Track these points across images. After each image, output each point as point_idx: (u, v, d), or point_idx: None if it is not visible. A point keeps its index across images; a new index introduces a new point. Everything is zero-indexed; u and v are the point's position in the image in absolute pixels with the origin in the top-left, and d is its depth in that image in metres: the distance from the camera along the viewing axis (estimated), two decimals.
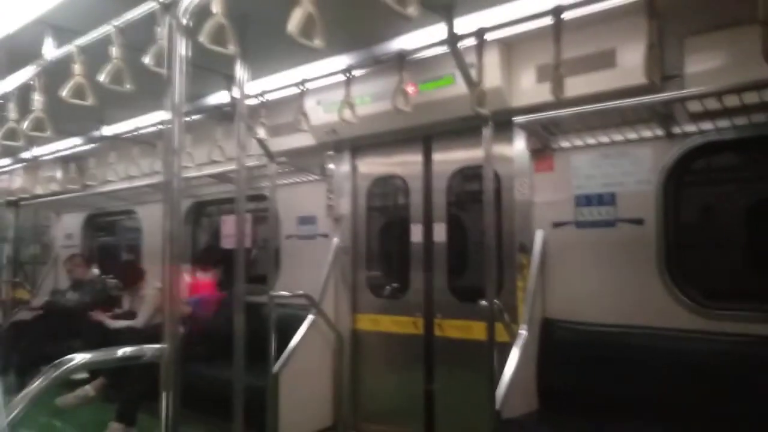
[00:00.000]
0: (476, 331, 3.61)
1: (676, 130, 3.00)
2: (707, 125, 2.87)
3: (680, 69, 2.91)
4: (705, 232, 3.21)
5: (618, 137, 3.15)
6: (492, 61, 3.24)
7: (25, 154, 6.16)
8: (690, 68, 2.87)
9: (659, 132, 3.03)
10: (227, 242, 5.46)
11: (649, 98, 2.63)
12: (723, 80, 2.58)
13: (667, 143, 3.06)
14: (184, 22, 1.99)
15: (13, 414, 1.34)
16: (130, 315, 5.16)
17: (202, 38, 2.26)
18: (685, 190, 3.12)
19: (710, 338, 2.79)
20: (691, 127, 2.94)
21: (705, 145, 2.98)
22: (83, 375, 4.75)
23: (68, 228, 7.67)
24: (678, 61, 2.91)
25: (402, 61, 3.22)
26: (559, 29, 2.53)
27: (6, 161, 6.48)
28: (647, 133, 3.07)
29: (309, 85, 3.80)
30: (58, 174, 6.65)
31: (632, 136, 3.10)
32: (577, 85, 2.92)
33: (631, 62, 2.86)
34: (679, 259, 3.05)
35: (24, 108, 3.42)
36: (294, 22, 1.91)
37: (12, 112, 3.47)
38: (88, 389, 4.65)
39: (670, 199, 3.07)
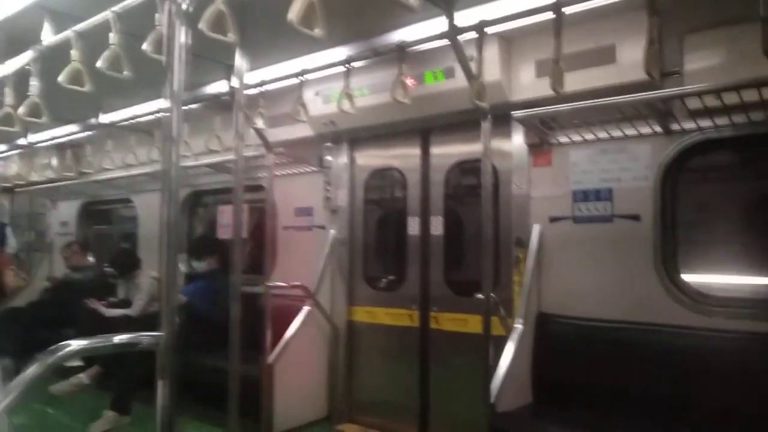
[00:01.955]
0: (472, 324, 3.62)
1: (675, 126, 3.01)
2: (706, 122, 2.88)
3: (679, 66, 2.91)
4: (701, 229, 3.22)
5: (616, 133, 3.15)
6: (492, 55, 3.24)
7: (21, 141, 6.12)
8: (689, 65, 2.88)
9: (657, 128, 3.04)
10: (224, 232, 5.46)
11: (648, 95, 2.64)
12: (722, 77, 2.59)
13: (665, 140, 3.06)
14: (184, 8, 1.98)
15: (8, 400, 1.34)
16: (126, 303, 5.15)
17: (202, 25, 2.25)
18: (682, 186, 3.13)
19: (706, 334, 2.80)
20: (689, 124, 2.95)
21: (703, 143, 2.99)
22: (77, 363, 4.75)
23: (63, 216, 7.65)
24: (677, 58, 2.91)
25: (402, 53, 3.21)
26: (559, 24, 2.52)
27: (2, 147, 6.45)
28: (645, 130, 3.07)
29: (308, 76, 3.78)
30: (54, 161, 6.62)
31: (630, 132, 3.11)
32: (576, 81, 2.91)
33: (631, 58, 2.86)
34: (675, 255, 3.06)
35: (21, 93, 3.39)
36: (295, 10, 1.91)
37: (8, 97, 3.44)
38: (83, 377, 4.64)
39: (667, 195, 3.08)
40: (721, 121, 2.83)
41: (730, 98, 2.58)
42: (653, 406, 2.78)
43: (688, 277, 3.02)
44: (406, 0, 1.74)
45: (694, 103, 2.74)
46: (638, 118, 2.99)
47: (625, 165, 3.16)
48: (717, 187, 3.24)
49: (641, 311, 3.02)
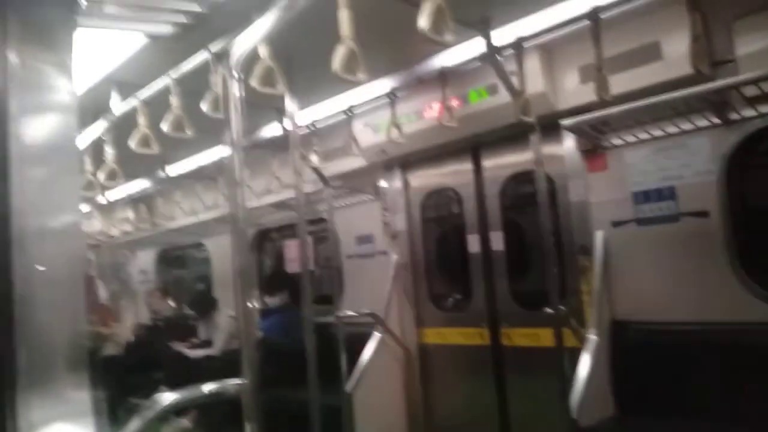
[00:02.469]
0: (544, 338, 3.57)
1: (734, 115, 2.90)
2: (766, 107, 2.77)
3: (731, 53, 2.82)
4: None
5: (671, 129, 3.07)
6: (533, 67, 3.24)
7: (100, 199, 6.59)
8: (741, 51, 2.78)
9: (715, 120, 2.94)
10: (291, 266, 5.66)
11: (699, 88, 2.57)
12: None
13: (724, 130, 2.96)
14: (236, 71, 2.13)
15: None
16: (207, 343, 5.41)
17: (253, 82, 2.41)
18: (750, 175, 3.01)
19: None
20: (749, 112, 2.84)
21: (766, 128, 2.86)
22: None
23: (143, 264, 8.13)
24: (728, 45, 2.82)
25: (444, 78, 3.27)
26: (597, 31, 2.52)
27: (84, 207, 6.96)
28: (702, 122, 2.98)
29: (355, 110, 3.91)
30: (130, 214, 7.08)
31: (687, 126, 3.02)
32: (623, 82, 2.89)
33: (677, 53, 2.80)
34: (751, 249, 2.93)
35: (97, 159, 3.70)
36: (338, 60, 2.01)
37: (88, 165, 3.76)
38: (185, 422, 4.89)
39: (735, 187, 2.96)
40: None
41: None
42: (743, 409, 2.65)
43: (766, 270, 2.88)
44: (442, 38, 1.82)
45: (750, 90, 2.63)
46: (693, 111, 2.90)
47: (685, 161, 3.07)
48: None
49: (720, 310, 2.90)
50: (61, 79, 0.90)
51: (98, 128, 3.59)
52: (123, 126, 3.43)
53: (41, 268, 0.81)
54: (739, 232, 2.93)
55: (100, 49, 3.08)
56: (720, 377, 2.79)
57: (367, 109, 3.97)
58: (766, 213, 3.08)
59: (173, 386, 1.70)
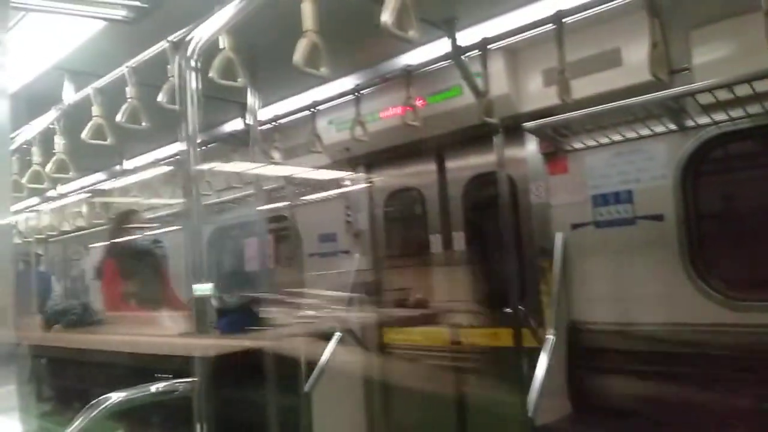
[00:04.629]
0: (503, 338, 3.59)
1: (689, 122, 2.97)
2: (720, 116, 2.85)
3: (688, 61, 2.89)
4: (727, 223, 3.17)
5: (630, 134, 3.13)
6: (498, 68, 3.26)
7: (51, 192, 6.33)
8: (697, 60, 2.86)
9: (672, 126, 3.01)
10: (251, 264, 5.54)
11: (657, 95, 2.62)
12: (732, 70, 2.56)
13: (680, 137, 3.03)
14: (194, 60, 2.06)
15: None
16: None
17: (212, 73, 2.33)
18: (703, 182, 3.08)
19: (742, 331, 2.74)
20: (704, 119, 2.91)
21: (720, 136, 2.95)
22: None
23: (97, 261, 7.83)
24: (685, 53, 2.89)
25: (408, 77, 3.26)
26: (561, 35, 2.54)
27: (33, 200, 6.67)
28: (660, 128, 3.05)
29: (320, 107, 3.86)
30: (84, 209, 6.81)
31: (645, 132, 3.08)
32: (584, 86, 2.92)
33: (637, 59, 2.84)
34: (702, 252, 3.01)
35: (47, 151, 3.54)
36: (299, 53, 1.97)
37: (36, 156, 3.59)
38: None
39: (689, 192, 3.04)
40: (736, 113, 2.79)
41: (743, 90, 2.55)
42: (696, 409, 2.72)
43: (718, 273, 2.97)
44: (405, 35, 1.79)
45: (705, 98, 2.71)
46: (651, 117, 2.97)
47: (642, 165, 3.14)
48: (739, 179, 3.19)
49: (674, 312, 2.97)
50: None
51: (48, 118, 3.43)
52: (76, 118, 3.29)
53: None
54: (693, 236, 3.01)
55: (50, 34, 2.94)
56: (674, 378, 2.86)
57: (332, 106, 3.92)
58: (718, 218, 3.17)
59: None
